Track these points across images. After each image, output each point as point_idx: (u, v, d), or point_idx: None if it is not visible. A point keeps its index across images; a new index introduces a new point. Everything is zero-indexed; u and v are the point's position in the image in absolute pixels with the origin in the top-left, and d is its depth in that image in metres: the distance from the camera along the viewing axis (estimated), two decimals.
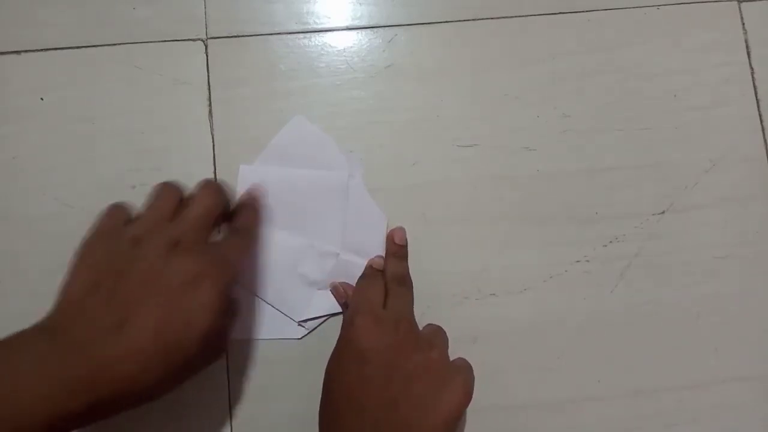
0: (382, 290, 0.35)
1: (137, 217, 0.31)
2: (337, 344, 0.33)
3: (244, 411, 0.37)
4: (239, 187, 0.38)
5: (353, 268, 0.38)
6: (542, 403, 0.38)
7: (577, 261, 0.40)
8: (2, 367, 0.26)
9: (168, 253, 0.28)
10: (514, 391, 0.38)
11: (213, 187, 0.32)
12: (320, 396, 0.33)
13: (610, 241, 0.40)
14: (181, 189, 0.32)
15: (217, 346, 0.33)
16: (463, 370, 0.32)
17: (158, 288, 0.28)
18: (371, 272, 0.37)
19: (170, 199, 0.31)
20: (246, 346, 0.38)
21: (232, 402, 0.37)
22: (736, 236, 0.40)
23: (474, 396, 0.31)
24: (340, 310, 0.38)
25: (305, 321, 0.38)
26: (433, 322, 0.38)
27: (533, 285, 0.39)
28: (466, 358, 0.34)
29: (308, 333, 0.38)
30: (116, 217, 0.31)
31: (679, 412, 0.38)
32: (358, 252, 0.38)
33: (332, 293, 0.38)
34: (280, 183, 0.38)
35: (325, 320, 0.38)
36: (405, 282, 0.36)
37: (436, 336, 0.34)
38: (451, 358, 0.33)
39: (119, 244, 0.29)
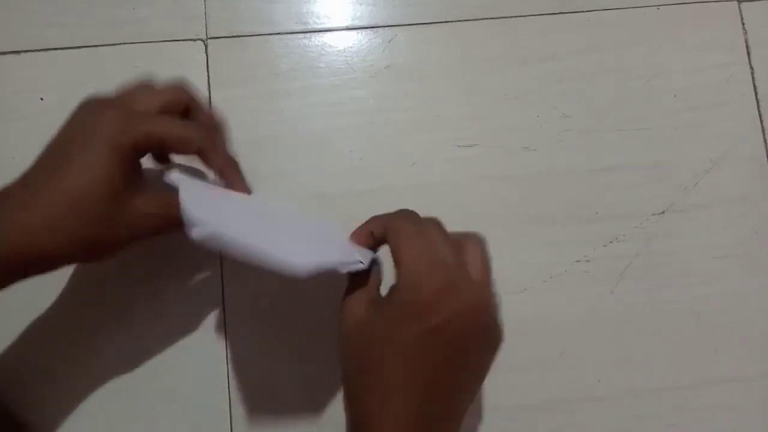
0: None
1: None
2: (386, 299, 0.29)
3: (244, 411, 0.37)
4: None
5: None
6: (542, 403, 0.38)
7: (577, 261, 0.40)
8: None
9: (103, 108, 0.29)
10: (514, 391, 0.38)
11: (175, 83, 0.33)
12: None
13: (610, 241, 0.40)
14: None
15: (131, 210, 0.30)
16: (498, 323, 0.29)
17: (75, 138, 0.29)
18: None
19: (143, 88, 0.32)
20: (246, 346, 0.38)
21: (232, 402, 0.37)
22: (736, 236, 0.40)
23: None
24: (355, 265, 0.30)
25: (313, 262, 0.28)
26: None
27: (533, 285, 0.39)
28: None
29: (312, 275, 0.28)
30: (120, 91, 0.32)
31: (679, 412, 0.38)
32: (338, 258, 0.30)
33: (353, 240, 0.31)
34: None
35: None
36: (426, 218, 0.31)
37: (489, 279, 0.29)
38: None
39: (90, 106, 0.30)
